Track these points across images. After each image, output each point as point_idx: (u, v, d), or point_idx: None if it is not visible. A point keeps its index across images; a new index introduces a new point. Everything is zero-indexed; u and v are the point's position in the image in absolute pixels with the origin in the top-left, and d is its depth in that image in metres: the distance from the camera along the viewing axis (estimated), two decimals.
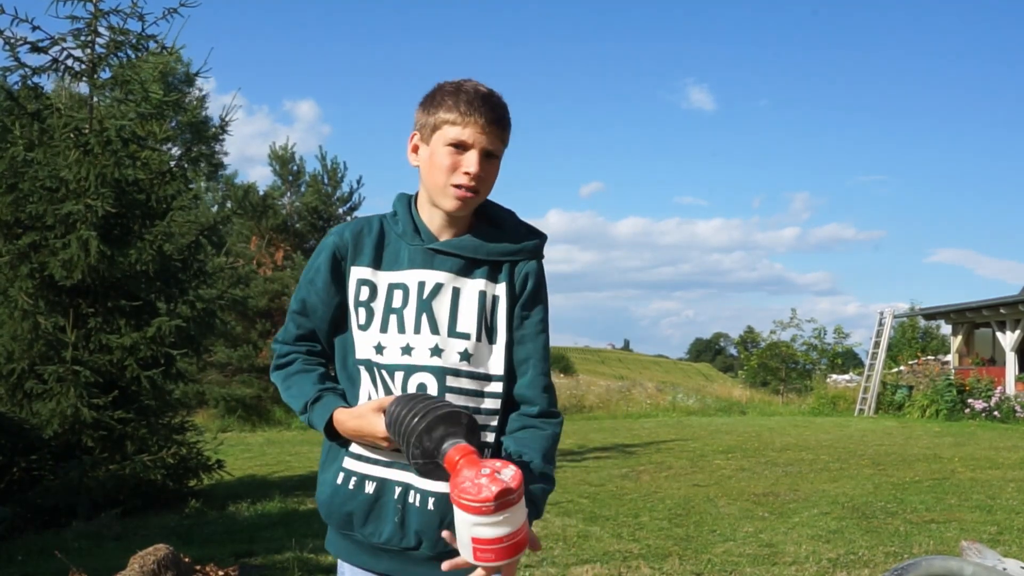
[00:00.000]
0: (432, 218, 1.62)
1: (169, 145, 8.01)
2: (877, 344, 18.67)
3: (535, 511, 1.47)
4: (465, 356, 1.57)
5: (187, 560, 4.42)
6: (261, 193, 20.59)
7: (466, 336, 1.58)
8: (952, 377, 17.17)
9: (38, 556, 5.28)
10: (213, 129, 8.04)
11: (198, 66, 8.27)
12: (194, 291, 7.58)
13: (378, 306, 1.59)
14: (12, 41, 6.79)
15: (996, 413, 15.60)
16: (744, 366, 28.91)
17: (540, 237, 1.69)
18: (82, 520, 6.22)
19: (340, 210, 21.35)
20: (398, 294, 1.59)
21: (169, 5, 7.29)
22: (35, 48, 6.90)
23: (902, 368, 20.37)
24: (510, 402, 1.62)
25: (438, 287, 1.59)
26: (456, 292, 1.59)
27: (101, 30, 7.20)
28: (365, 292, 1.60)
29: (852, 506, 6.85)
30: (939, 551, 5.22)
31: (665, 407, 20.27)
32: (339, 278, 1.61)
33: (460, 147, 1.54)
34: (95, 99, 7.34)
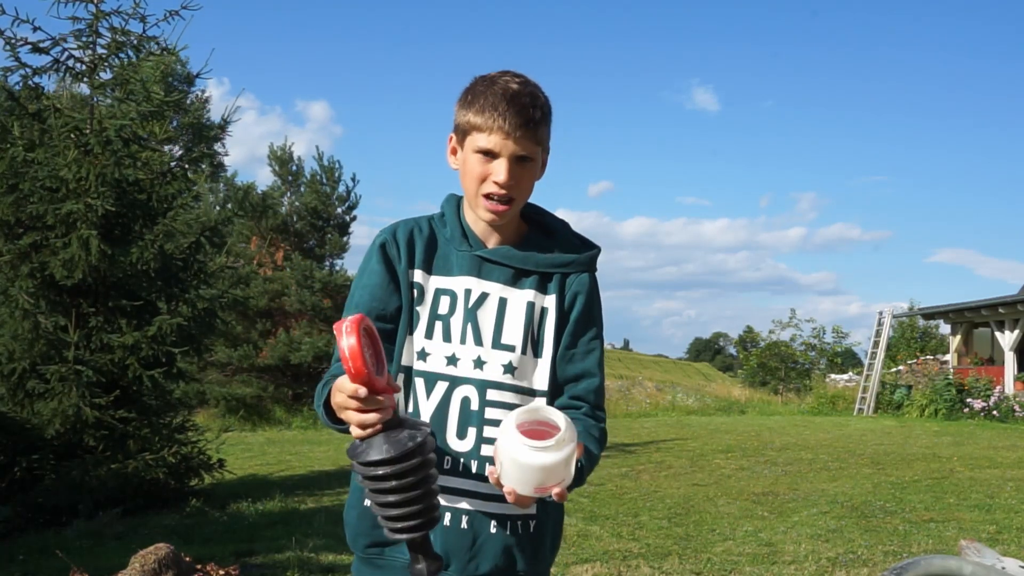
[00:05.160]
0: (477, 223, 1.57)
1: (170, 146, 8.00)
2: (876, 344, 18.68)
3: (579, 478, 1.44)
4: (509, 369, 1.52)
5: (188, 559, 4.42)
6: (260, 193, 20.59)
7: (511, 348, 1.52)
8: (951, 377, 17.18)
9: (39, 555, 5.29)
10: (215, 130, 8.04)
11: (209, 67, 8.21)
12: (195, 291, 7.59)
13: (424, 310, 1.54)
14: (13, 41, 6.80)
15: (995, 412, 15.61)
16: (743, 366, 28.94)
17: (593, 249, 1.62)
18: (83, 519, 6.23)
19: (339, 209, 21.37)
20: (445, 300, 1.54)
21: (171, 7, 7.31)
22: (36, 48, 6.91)
23: (901, 368, 20.40)
24: None
25: (484, 297, 1.54)
26: (503, 303, 1.54)
27: (102, 31, 7.21)
28: (414, 295, 1.55)
29: (851, 505, 6.86)
30: (938, 550, 5.24)
31: (665, 406, 20.28)
32: (395, 279, 1.55)
33: (489, 155, 1.48)
34: (95, 99, 7.35)
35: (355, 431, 1.25)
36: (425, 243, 1.57)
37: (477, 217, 1.55)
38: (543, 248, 1.57)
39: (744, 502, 7.10)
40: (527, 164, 1.50)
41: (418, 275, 1.55)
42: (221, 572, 4.49)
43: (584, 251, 1.61)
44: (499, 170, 1.47)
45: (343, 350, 1.20)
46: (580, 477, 1.41)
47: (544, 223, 1.62)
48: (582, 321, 1.57)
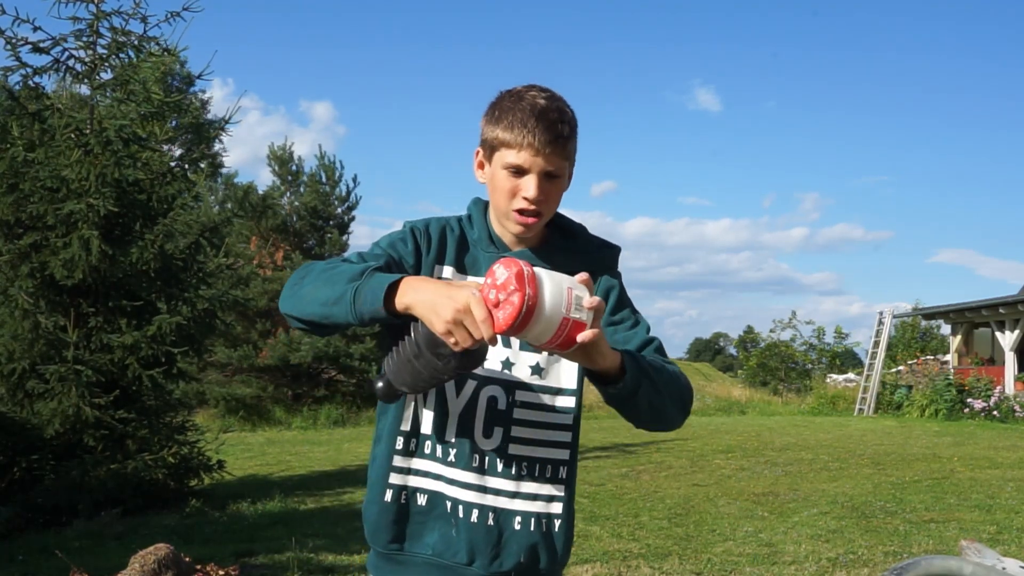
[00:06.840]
0: (504, 230, 1.58)
1: (170, 146, 8.00)
2: (877, 344, 18.68)
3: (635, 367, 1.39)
4: (536, 370, 1.54)
5: (188, 559, 4.42)
6: (259, 193, 20.58)
7: (538, 349, 1.52)
8: (951, 377, 17.18)
9: (39, 555, 5.29)
10: (213, 129, 8.04)
11: (210, 69, 8.10)
12: (195, 291, 7.59)
13: None
14: (14, 41, 6.81)
15: (995, 413, 15.60)
16: (744, 366, 28.96)
17: (614, 249, 1.65)
18: (83, 519, 6.23)
19: (339, 209, 21.37)
20: None
21: (172, 8, 7.33)
22: (36, 48, 6.92)
23: (901, 368, 20.39)
24: (580, 423, 1.59)
25: None
26: None
27: (103, 31, 7.22)
28: None
29: (851, 506, 6.86)
30: (938, 550, 5.23)
31: None
32: (417, 265, 1.55)
33: (518, 171, 1.49)
34: (96, 99, 7.35)
35: (450, 341, 1.26)
36: (456, 242, 1.58)
37: (505, 230, 1.57)
38: (565, 250, 1.60)
39: (744, 502, 7.10)
40: (555, 179, 1.52)
41: (448, 272, 1.56)
42: (221, 572, 4.49)
43: (605, 251, 1.64)
44: (529, 186, 1.48)
45: (517, 305, 1.19)
46: (643, 373, 1.39)
47: (563, 226, 1.65)
48: (617, 311, 1.59)
